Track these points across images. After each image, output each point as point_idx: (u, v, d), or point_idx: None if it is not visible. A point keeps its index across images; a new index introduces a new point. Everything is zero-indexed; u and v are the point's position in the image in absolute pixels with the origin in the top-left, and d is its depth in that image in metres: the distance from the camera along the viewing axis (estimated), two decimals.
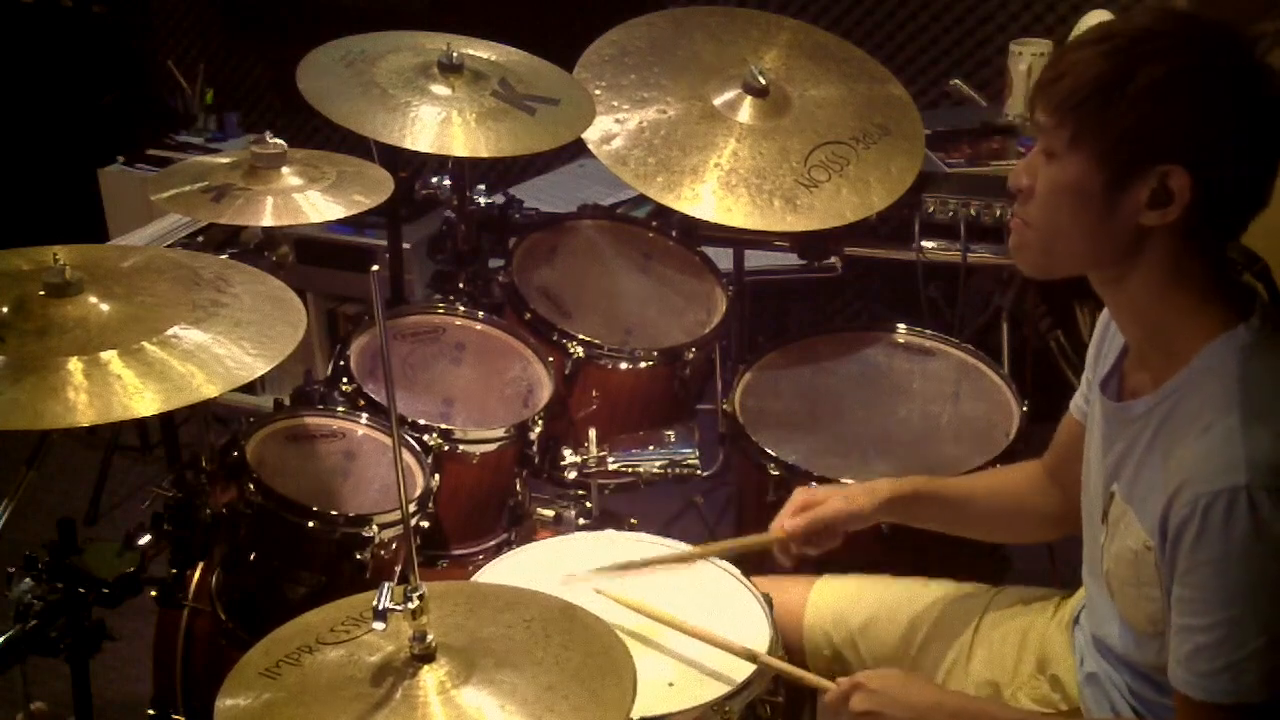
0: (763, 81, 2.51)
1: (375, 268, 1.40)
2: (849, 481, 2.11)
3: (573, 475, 2.21)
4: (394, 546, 2.02)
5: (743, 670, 1.65)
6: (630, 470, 2.21)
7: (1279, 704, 1.35)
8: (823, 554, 1.86)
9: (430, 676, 1.31)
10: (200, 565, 2.09)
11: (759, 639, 1.70)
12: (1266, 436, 1.35)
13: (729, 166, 2.43)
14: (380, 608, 1.31)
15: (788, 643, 1.81)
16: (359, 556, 1.98)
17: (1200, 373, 1.42)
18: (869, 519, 1.83)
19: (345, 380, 2.22)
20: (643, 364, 2.41)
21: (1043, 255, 1.49)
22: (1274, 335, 1.42)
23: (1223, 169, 1.37)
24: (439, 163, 2.68)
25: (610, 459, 2.19)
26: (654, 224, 2.69)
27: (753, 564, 1.88)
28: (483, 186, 2.71)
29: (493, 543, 2.28)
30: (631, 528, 2.13)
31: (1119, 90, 1.36)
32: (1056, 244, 1.47)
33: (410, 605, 1.31)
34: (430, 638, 1.32)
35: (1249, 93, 1.37)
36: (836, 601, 1.92)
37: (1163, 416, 1.45)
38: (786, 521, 1.83)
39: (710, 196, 2.39)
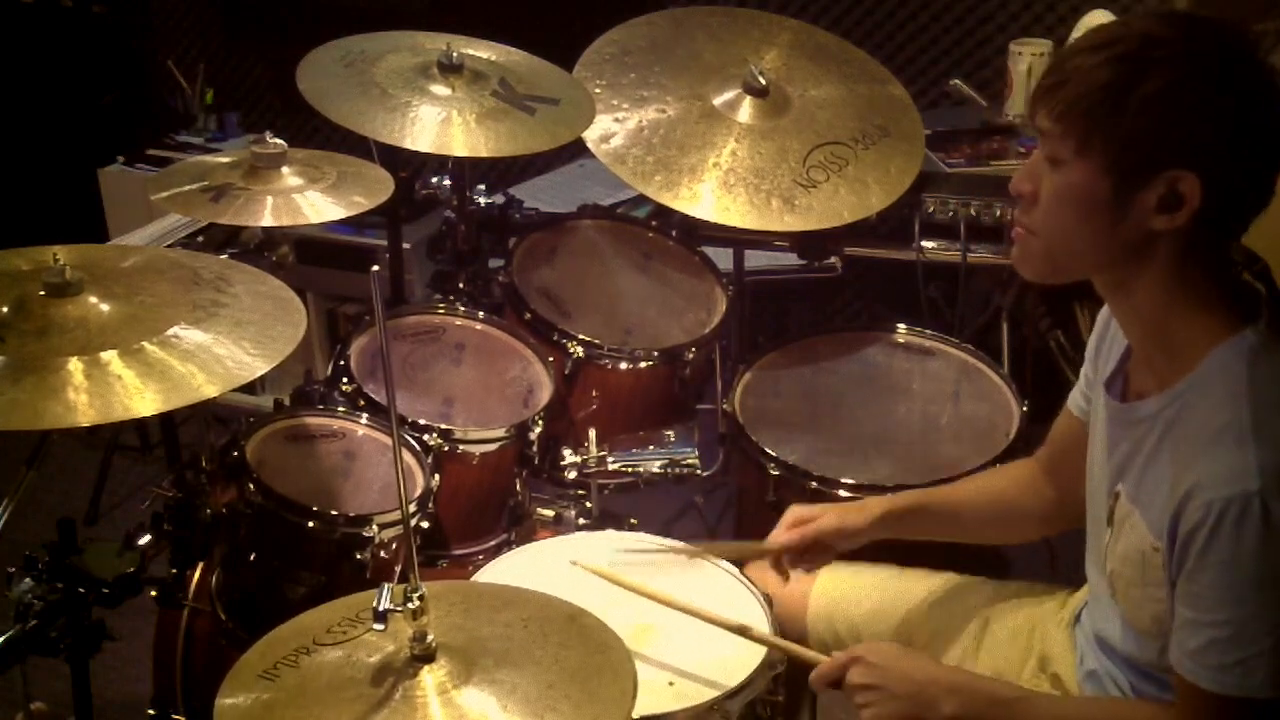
0: (763, 82, 2.51)
1: (375, 268, 1.40)
2: (849, 481, 2.11)
3: (573, 475, 2.21)
4: (394, 546, 2.03)
5: (742, 670, 1.65)
6: (630, 470, 2.21)
7: None
8: (814, 569, 1.86)
9: (430, 677, 1.31)
10: (200, 565, 2.09)
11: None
12: (1277, 441, 1.35)
13: (727, 166, 2.43)
14: (380, 609, 1.31)
15: (791, 633, 1.81)
16: (359, 556, 1.98)
17: (1208, 376, 1.41)
18: (862, 537, 1.83)
19: (345, 380, 2.22)
20: (643, 364, 2.41)
21: (1048, 263, 1.49)
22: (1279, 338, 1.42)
23: (1231, 172, 1.37)
24: (439, 163, 2.68)
25: (610, 459, 2.19)
26: (654, 224, 2.69)
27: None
28: (483, 186, 2.71)
29: (493, 543, 2.28)
30: (631, 528, 2.13)
31: (1127, 97, 1.35)
32: (1062, 250, 1.46)
33: (410, 606, 1.31)
34: (430, 638, 1.32)
35: (1256, 95, 1.37)
36: (840, 591, 1.91)
37: (1170, 420, 1.44)
38: (780, 536, 1.83)
39: (708, 196, 2.39)
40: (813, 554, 1.84)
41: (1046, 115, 1.41)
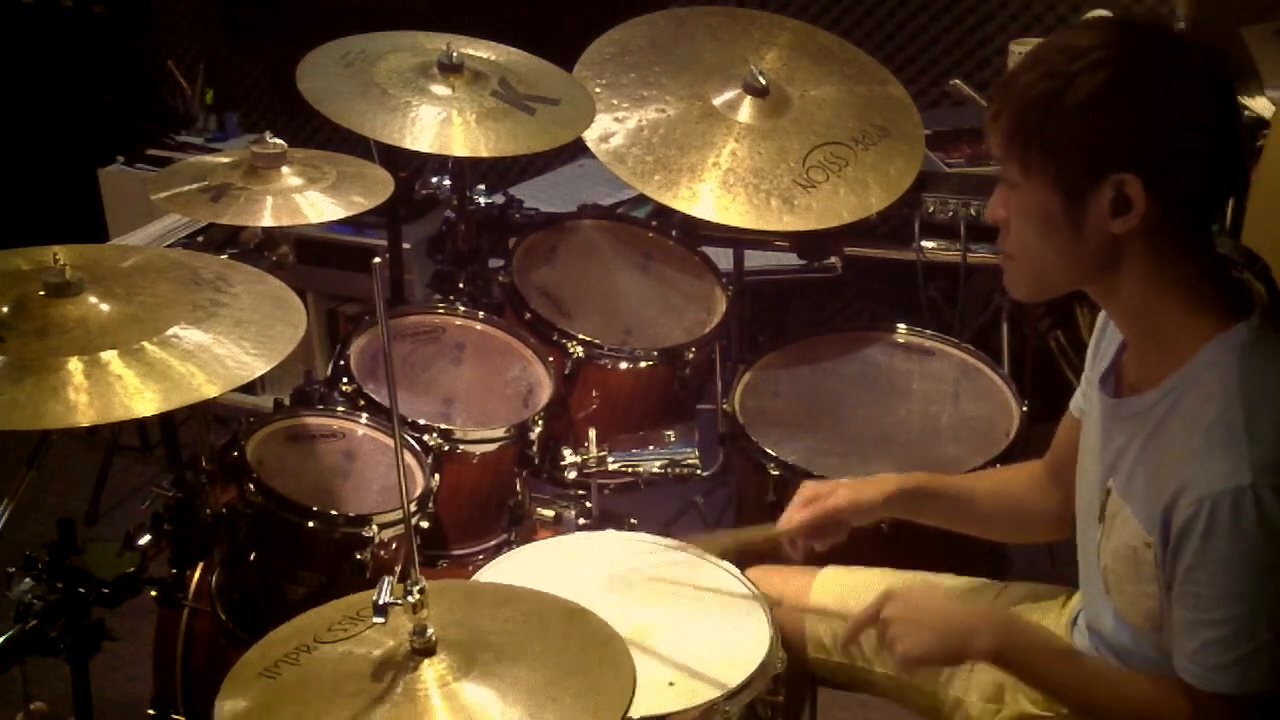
0: (763, 82, 2.51)
1: (378, 259, 1.39)
2: (849, 481, 2.11)
3: (573, 475, 2.21)
4: (394, 546, 2.03)
5: (742, 670, 1.65)
6: (630, 470, 2.21)
7: None
8: (828, 548, 1.86)
9: (431, 670, 1.31)
10: (200, 565, 2.09)
11: (759, 639, 1.70)
12: (1268, 435, 1.35)
13: (727, 166, 2.43)
14: (381, 603, 1.31)
15: (790, 631, 1.81)
16: (359, 556, 1.98)
17: (1200, 372, 1.42)
18: (875, 512, 1.83)
19: (345, 380, 2.22)
20: (643, 364, 2.41)
21: (1031, 283, 1.52)
22: (1273, 334, 1.43)
23: (1172, 168, 1.38)
24: (439, 163, 2.68)
25: (610, 459, 2.19)
26: (654, 224, 2.69)
27: (756, 555, 1.88)
28: (483, 186, 2.72)
29: (493, 543, 2.28)
30: (631, 528, 2.13)
31: (1055, 109, 1.37)
32: (1039, 269, 1.49)
33: (411, 599, 1.31)
34: (430, 631, 1.33)
35: (1188, 89, 1.37)
36: (840, 591, 1.91)
37: (1162, 414, 1.45)
38: (794, 515, 1.83)
39: (708, 195, 2.39)
40: (825, 532, 1.83)
41: (994, 144, 1.46)
